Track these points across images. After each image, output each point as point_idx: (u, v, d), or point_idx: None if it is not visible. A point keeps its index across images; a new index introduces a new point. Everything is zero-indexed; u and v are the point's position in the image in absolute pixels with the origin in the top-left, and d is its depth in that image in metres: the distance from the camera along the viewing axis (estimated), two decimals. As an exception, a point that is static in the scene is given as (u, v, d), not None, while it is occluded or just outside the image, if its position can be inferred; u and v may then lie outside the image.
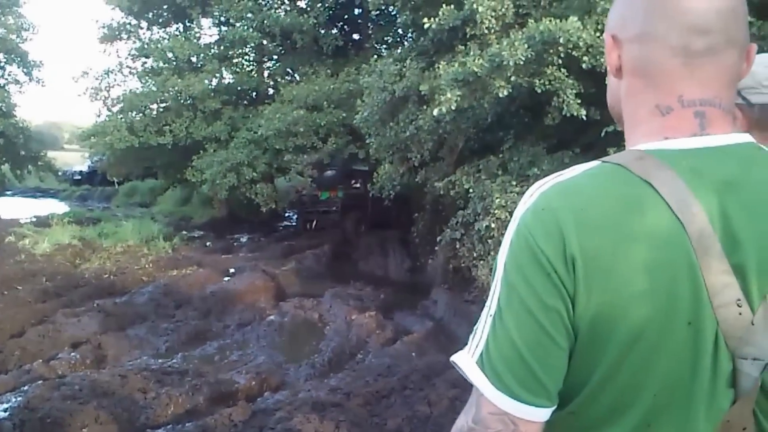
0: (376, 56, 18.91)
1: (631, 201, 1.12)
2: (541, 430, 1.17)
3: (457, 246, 11.03)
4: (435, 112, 10.30)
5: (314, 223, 22.26)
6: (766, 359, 1.09)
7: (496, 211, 9.85)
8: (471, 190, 11.07)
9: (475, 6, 10.01)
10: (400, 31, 21.64)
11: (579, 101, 9.64)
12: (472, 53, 10.11)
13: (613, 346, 1.11)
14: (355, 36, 24.35)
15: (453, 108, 10.02)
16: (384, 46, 23.22)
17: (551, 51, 9.42)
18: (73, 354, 8.77)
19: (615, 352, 1.11)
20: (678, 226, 1.09)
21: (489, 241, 10.03)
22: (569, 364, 1.16)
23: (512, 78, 9.64)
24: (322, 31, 22.12)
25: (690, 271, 1.08)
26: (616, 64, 1.27)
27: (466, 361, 1.20)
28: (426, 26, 10.94)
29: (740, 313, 1.08)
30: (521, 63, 9.27)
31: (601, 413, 1.17)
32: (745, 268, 1.09)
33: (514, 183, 10.26)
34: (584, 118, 9.60)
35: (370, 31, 23.36)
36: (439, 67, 10.92)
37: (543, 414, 1.14)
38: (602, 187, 1.15)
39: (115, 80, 23.81)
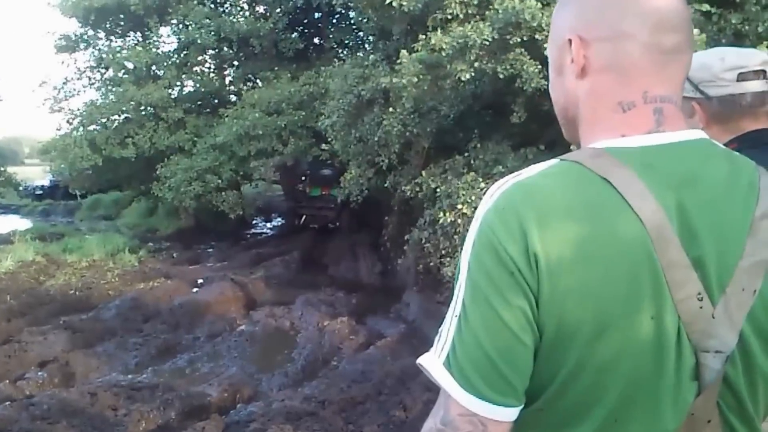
0: (336, 59, 18.90)
1: (590, 198, 1.14)
2: (510, 430, 1.18)
3: (425, 245, 11.05)
4: (395, 80, 10.33)
5: (303, 218, 22.34)
6: (728, 351, 1.12)
7: (460, 207, 9.88)
8: (438, 190, 11.10)
9: None
10: (360, 33, 21.66)
11: (542, 76, 9.70)
12: (434, 37, 10.14)
13: (578, 343, 1.12)
14: (316, 40, 24.32)
15: (415, 81, 10.07)
16: (345, 49, 23.24)
17: (514, 33, 9.48)
18: (40, 373, 8.64)
19: (580, 349, 1.13)
20: (637, 223, 1.11)
21: (455, 237, 10.09)
22: (535, 362, 1.17)
23: (476, 63, 9.68)
24: (282, 36, 22.03)
25: (650, 266, 1.10)
26: (582, 65, 1.27)
27: (432, 363, 1.20)
28: (388, 2, 10.90)
29: (701, 307, 1.11)
30: (486, 44, 9.33)
31: (569, 409, 1.18)
32: (705, 261, 1.12)
33: (480, 180, 10.29)
34: (545, 89, 9.65)
35: (330, 35, 23.34)
36: (402, 60, 10.95)
37: (511, 413, 1.16)
38: (562, 185, 1.16)
39: (74, 90, 23.58)
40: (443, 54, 9.73)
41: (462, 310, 1.18)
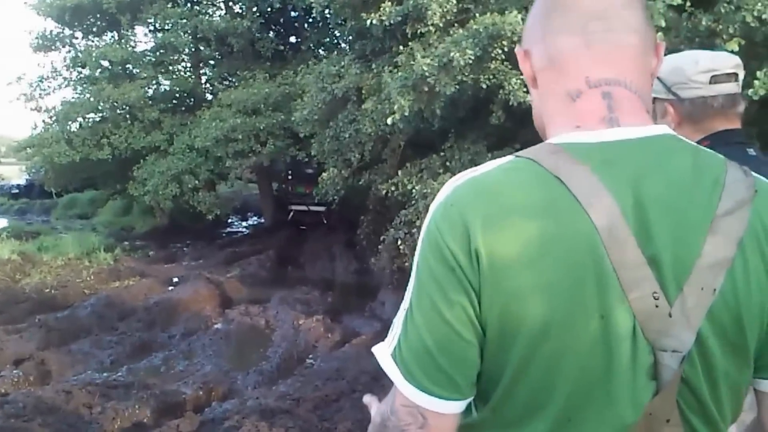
0: (313, 59, 18.89)
1: (540, 197, 1.13)
2: (454, 424, 1.21)
3: (400, 245, 11.06)
4: (389, 120, 10.32)
5: (291, 215, 22.48)
6: (684, 351, 1.10)
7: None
8: (414, 190, 11.10)
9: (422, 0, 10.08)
10: (337, 33, 21.66)
11: (525, 89, 9.70)
12: (417, 54, 10.12)
13: (522, 340, 1.13)
14: (292, 39, 24.29)
15: (406, 114, 10.06)
16: (321, 48, 23.21)
17: (495, 45, 9.50)
18: (15, 371, 8.59)
19: (524, 347, 1.13)
20: (587, 222, 1.10)
21: (427, 237, 10.07)
22: (483, 358, 1.18)
23: (458, 77, 9.69)
24: (259, 35, 21.98)
25: (598, 265, 1.10)
26: (530, 75, 1.33)
27: (383, 353, 1.25)
28: (368, 22, 10.92)
29: (657, 306, 1.09)
30: (470, 62, 9.34)
31: (520, 408, 1.18)
32: (660, 259, 1.10)
33: (456, 180, 10.32)
34: (530, 103, 9.69)
35: (307, 34, 23.30)
36: (382, 72, 10.93)
37: (453, 407, 1.19)
38: (512, 182, 1.16)
39: (50, 87, 23.40)
40: (427, 74, 9.70)
41: (409, 305, 1.21)
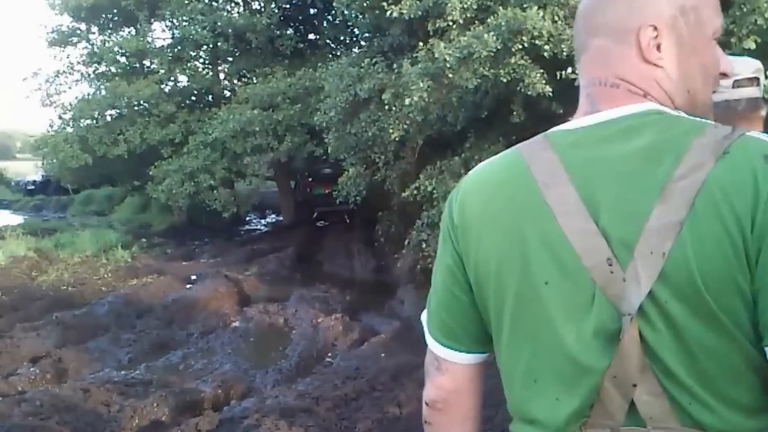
0: (332, 56, 18.86)
1: (503, 178, 1.32)
2: (464, 373, 1.44)
3: (424, 247, 11.03)
4: (407, 101, 10.34)
5: (315, 214, 22.55)
6: (633, 312, 1.13)
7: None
8: (435, 192, 11.07)
9: None
10: (356, 30, 21.62)
11: (544, 81, 9.70)
12: (437, 49, 10.10)
13: (491, 302, 1.31)
14: (311, 36, 24.27)
15: (425, 100, 10.07)
16: (341, 46, 23.19)
17: (516, 40, 9.50)
18: (32, 369, 8.56)
19: (493, 307, 1.31)
20: (540, 200, 1.22)
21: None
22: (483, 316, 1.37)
23: (479, 70, 9.69)
24: (278, 32, 21.94)
25: (548, 236, 1.21)
26: None
27: (424, 314, 1.49)
28: (387, 14, 10.91)
29: (612, 272, 1.15)
30: (492, 55, 9.34)
31: (505, 361, 1.34)
32: (612, 228, 1.16)
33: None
34: (551, 94, 9.68)
35: (325, 31, 23.28)
36: (401, 68, 10.91)
37: (460, 357, 1.42)
38: (491, 168, 1.38)
39: (65, 83, 23.46)
40: (447, 65, 9.72)
41: None
